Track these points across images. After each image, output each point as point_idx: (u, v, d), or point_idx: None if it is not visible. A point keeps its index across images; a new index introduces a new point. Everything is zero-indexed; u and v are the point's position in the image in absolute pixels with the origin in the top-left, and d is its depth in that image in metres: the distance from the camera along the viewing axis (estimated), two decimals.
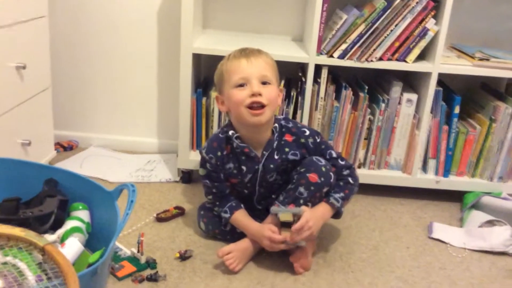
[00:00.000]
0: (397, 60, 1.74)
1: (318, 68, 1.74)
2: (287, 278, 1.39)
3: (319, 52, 1.73)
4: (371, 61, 1.73)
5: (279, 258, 1.46)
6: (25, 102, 1.63)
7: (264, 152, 1.46)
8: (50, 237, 1.17)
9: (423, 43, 1.72)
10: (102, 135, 2.16)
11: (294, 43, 1.95)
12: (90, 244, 1.29)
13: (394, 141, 1.84)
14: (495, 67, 1.75)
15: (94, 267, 1.00)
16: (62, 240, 1.20)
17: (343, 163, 1.50)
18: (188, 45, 1.73)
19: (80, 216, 1.28)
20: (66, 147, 2.10)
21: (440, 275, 1.46)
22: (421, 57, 1.76)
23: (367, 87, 1.80)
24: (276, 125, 1.47)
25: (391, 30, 1.70)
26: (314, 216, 1.38)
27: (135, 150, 2.15)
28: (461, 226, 1.73)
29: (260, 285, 1.36)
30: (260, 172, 1.48)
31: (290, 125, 1.49)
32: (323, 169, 1.42)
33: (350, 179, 1.49)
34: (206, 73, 1.96)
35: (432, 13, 1.70)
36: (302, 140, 1.48)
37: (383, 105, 1.79)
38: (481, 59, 1.76)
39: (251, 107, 1.39)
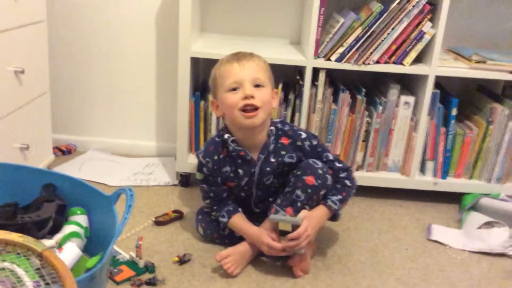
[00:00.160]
0: (394, 63, 1.75)
1: (315, 71, 1.75)
2: (286, 282, 1.39)
3: (317, 55, 1.73)
4: (368, 64, 1.74)
5: (277, 261, 1.46)
6: (24, 106, 1.63)
7: (260, 155, 1.47)
8: (48, 242, 1.17)
9: (419, 46, 1.73)
10: (100, 138, 2.16)
11: (292, 46, 1.96)
12: (88, 248, 1.29)
13: (392, 143, 1.84)
14: (492, 69, 1.76)
15: (92, 272, 1.00)
16: (60, 245, 1.19)
17: (340, 165, 1.51)
18: (186, 49, 1.73)
19: (78, 220, 1.28)
20: (64, 151, 2.10)
21: (439, 277, 1.46)
22: (418, 60, 1.77)
23: (364, 90, 1.80)
24: (272, 128, 1.48)
25: (388, 34, 1.70)
26: (311, 223, 1.39)
27: (134, 153, 2.15)
28: (459, 227, 1.74)
29: None
30: (257, 175, 1.48)
31: (287, 128, 1.50)
32: (320, 171, 1.42)
33: (347, 182, 1.49)
34: (204, 76, 1.96)
35: (429, 17, 1.70)
36: (299, 143, 1.48)
37: (380, 107, 1.79)
38: (477, 62, 1.76)
39: (244, 109, 1.39)
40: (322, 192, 1.43)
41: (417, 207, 1.87)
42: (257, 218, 1.50)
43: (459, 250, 1.60)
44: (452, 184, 1.86)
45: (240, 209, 1.50)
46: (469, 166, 1.86)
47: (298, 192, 1.41)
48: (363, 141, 1.83)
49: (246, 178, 1.49)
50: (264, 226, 1.44)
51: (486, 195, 1.78)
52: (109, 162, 2.06)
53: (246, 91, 1.39)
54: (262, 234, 1.40)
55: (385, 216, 1.79)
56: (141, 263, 1.38)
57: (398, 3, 1.67)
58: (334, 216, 1.48)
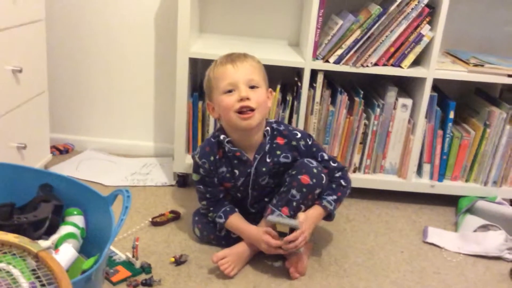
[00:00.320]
0: (392, 65, 1.75)
1: (314, 73, 1.75)
2: (283, 283, 1.40)
3: (315, 57, 1.74)
4: (367, 66, 1.74)
5: (274, 262, 1.47)
6: (21, 105, 1.63)
7: (256, 155, 1.47)
8: (44, 243, 1.17)
9: (418, 49, 1.73)
10: (98, 138, 2.16)
11: (290, 48, 1.96)
12: (85, 249, 1.29)
13: (389, 145, 1.84)
14: (490, 72, 1.76)
15: (88, 274, 1.00)
16: (56, 246, 1.19)
17: (335, 165, 1.51)
18: (185, 49, 1.73)
19: (75, 221, 1.28)
20: (62, 151, 2.10)
21: (435, 280, 1.47)
22: (416, 62, 1.77)
23: (362, 92, 1.81)
24: (268, 128, 1.48)
25: (387, 36, 1.71)
26: (307, 223, 1.39)
27: (131, 153, 2.15)
28: (455, 230, 1.74)
29: None
30: (253, 176, 1.48)
31: (282, 128, 1.50)
32: (315, 170, 1.42)
33: (342, 181, 1.50)
34: (203, 77, 1.94)
35: (427, 19, 1.71)
36: (294, 143, 1.49)
37: (378, 110, 1.79)
38: (475, 65, 1.76)
39: (240, 111, 1.39)
40: (317, 191, 1.44)
41: (413, 209, 1.88)
42: (253, 219, 1.50)
43: (454, 253, 1.61)
44: (448, 187, 1.87)
45: (236, 210, 1.51)
46: (465, 169, 1.87)
47: (294, 191, 1.41)
48: (360, 143, 1.84)
49: (242, 179, 1.49)
50: (261, 226, 1.44)
51: (483, 198, 1.79)
52: (107, 162, 2.06)
53: (241, 93, 1.39)
54: (259, 232, 1.41)
55: (382, 218, 1.80)
56: (138, 264, 1.38)
57: (397, 6, 1.68)
58: (329, 216, 1.49)
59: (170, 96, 2.03)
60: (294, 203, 1.41)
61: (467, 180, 1.88)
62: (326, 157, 1.51)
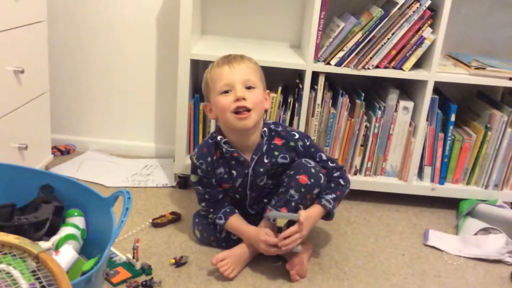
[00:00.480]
0: (393, 68, 1.75)
1: (315, 75, 1.75)
2: (283, 285, 1.40)
3: (317, 59, 1.74)
4: (368, 68, 1.74)
5: (274, 264, 1.47)
6: (23, 106, 1.63)
7: (254, 156, 1.47)
8: (44, 244, 1.16)
9: (419, 52, 1.73)
10: (99, 139, 2.17)
11: (292, 50, 1.96)
12: (85, 250, 1.29)
13: (390, 148, 1.84)
14: (491, 75, 1.76)
15: (88, 275, 1.00)
16: (57, 247, 1.19)
17: (333, 165, 1.52)
18: (186, 51, 1.73)
19: (75, 222, 1.28)
20: (63, 151, 2.10)
21: (435, 283, 1.47)
22: (418, 65, 1.77)
23: (363, 95, 1.81)
24: (265, 129, 1.48)
25: (388, 39, 1.71)
26: (307, 223, 1.39)
27: (132, 154, 2.15)
28: (456, 233, 1.74)
29: None
30: (250, 176, 1.49)
31: (280, 129, 1.51)
32: (313, 170, 1.42)
33: (341, 181, 1.50)
34: None
35: (429, 22, 1.71)
36: (292, 144, 1.49)
37: (379, 112, 1.79)
38: (477, 68, 1.76)
39: (236, 112, 1.40)
40: (316, 191, 1.44)
41: (414, 212, 1.88)
42: (253, 220, 1.50)
43: (455, 256, 1.61)
44: (449, 189, 1.86)
45: (236, 211, 1.51)
46: (466, 172, 1.87)
47: (292, 191, 1.41)
48: (361, 145, 1.84)
49: (240, 179, 1.49)
50: (260, 227, 1.45)
51: (483, 201, 1.78)
52: (108, 163, 2.07)
53: (237, 93, 1.40)
54: (259, 232, 1.41)
55: (382, 221, 1.80)
56: (138, 265, 1.38)
57: (399, 8, 1.68)
58: (328, 215, 1.49)
59: (171, 97, 2.04)
60: (293, 203, 1.41)
61: (468, 183, 1.87)
62: (324, 157, 1.52)
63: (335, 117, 1.80)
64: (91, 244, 1.29)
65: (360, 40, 1.70)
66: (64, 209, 1.31)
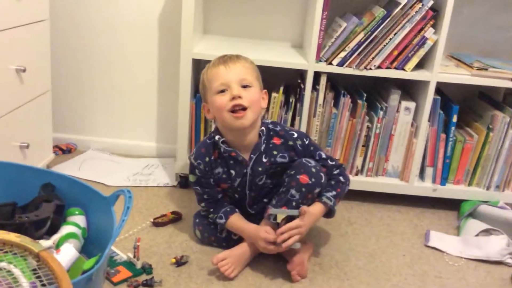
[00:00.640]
0: (395, 68, 1.75)
1: (317, 75, 1.75)
2: (283, 285, 1.40)
3: (318, 59, 1.74)
4: (370, 69, 1.74)
5: (275, 264, 1.47)
6: (25, 105, 1.63)
7: (252, 155, 1.47)
8: (45, 243, 1.17)
9: (421, 52, 1.73)
10: (100, 138, 2.17)
11: (294, 49, 1.96)
12: (86, 249, 1.29)
13: (392, 148, 1.84)
14: (493, 76, 1.75)
15: (88, 274, 1.00)
16: (58, 246, 1.19)
17: (332, 163, 1.52)
18: (188, 50, 1.74)
19: (76, 221, 1.28)
20: (64, 150, 2.11)
21: (436, 284, 1.46)
22: (420, 65, 1.77)
23: (365, 95, 1.80)
24: (263, 128, 1.49)
25: (390, 39, 1.70)
26: (308, 220, 1.39)
27: (133, 154, 2.15)
28: (457, 234, 1.73)
29: None
30: (249, 176, 1.49)
31: (278, 128, 1.51)
32: (313, 170, 1.43)
33: (341, 178, 1.51)
34: None
35: (431, 23, 1.70)
36: (290, 143, 1.49)
37: (381, 112, 1.79)
38: (479, 69, 1.76)
39: (233, 110, 1.40)
40: (317, 191, 1.44)
41: (415, 213, 1.87)
42: (253, 220, 1.50)
43: (456, 257, 1.60)
44: (451, 190, 1.86)
45: (237, 210, 1.51)
46: (468, 173, 1.86)
47: (293, 191, 1.41)
48: (363, 146, 1.83)
49: (239, 179, 1.49)
50: (261, 225, 1.44)
51: (485, 202, 1.78)
52: (109, 162, 2.07)
53: (233, 91, 1.40)
54: (258, 230, 1.41)
55: (383, 222, 1.79)
56: (139, 264, 1.38)
57: (401, 9, 1.67)
58: (329, 213, 1.49)
59: (173, 97, 2.04)
60: (294, 203, 1.41)
61: (469, 184, 1.87)
62: (323, 155, 1.52)
63: (336, 117, 1.80)
64: (92, 243, 1.29)
65: (362, 40, 1.70)
66: (65, 207, 1.31)
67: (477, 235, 1.65)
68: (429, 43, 1.72)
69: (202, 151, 1.50)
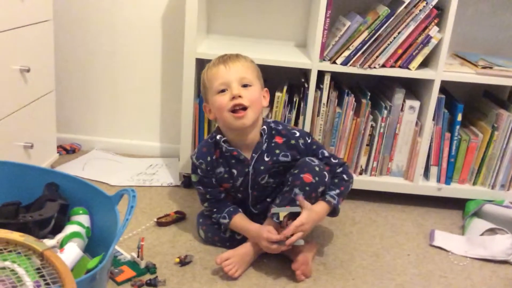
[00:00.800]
0: (400, 67, 1.74)
1: (320, 74, 1.74)
2: (287, 285, 1.39)
3: (322, 58, 1.73)
4: (374, 67, 1.73)
5: (278, 264, 1.46)
6: (29, 105, 1.63)
7: (254, 154, 1.47)
8: (49, 242, 1.17)
9: (426, 51, 1.72)
10: (104, 138, 2.17)
11: (297, 49, 1.96)
12: (90, 248, 1.29)
13: (396, 147, 1.83)
14: (498, 75, 1.75)
15: (92, 273, 1.00)
16: (62, 245, 1.20)
17: (336, 161, 1.52)
18: (192, 50, 1.73)
19: (80, 220, 1.28)
20: (68, 150, 2.11)
21: (441, 283, 1.46)
22: (424, 64, 1.76)
23: (369, 94, 1.80)
24: (265, 127, 1.48)
25: (394, 37, 1.70)
26: (311, 214, 1.38)
27: (137, 154, 2.16)
28: (462, 234, 1.73)
29: None
30: (251, 175, 1.48)
31: (280, 127, 1.51)
32: (317, 168, 1.42)
33: (344, 176, 1.50)
34: None
35: (436, 21, 1.70)
36: (293, 142, 1.49)
37: (385, 111, 1.78)
38: (484, 67, 1.75)
39: (233, 110, 1.40)
40: (321, 189, 1.44)
41: (420, 212, 1.87)
42: (257, 220, 1.49)
43: (461, 256, 1.60)
44: (455, 190, 1.85)
45: (240, 210, 1.51)
46: (473, 172, 1.85)
47: (296, 190, 1.41)
48: (367, 145, 1.83)
49: (241, 178, 1.49)
50: (265, 225, 1.44)
51: (490, 201, 1.77)
52: (113, 162, 2.07)
53: (233, 91, 1.40)
54: (261, 229, 1.41)
55: (388, 221, 1.79)
56: (142, 264, 1.38)
57: (405, 7, 1.67)
58: (333, 211, 1.48)
59: (176, 97, 2.04)
60: (298, 202, 1.41)
61: (474, 183, 1.86)
62: (326, 154, 1.52)
63: (340, 116, 1.80)
64: (96, 242, 1.29)
65: (366, 39, 1.70)
66: (69, 207, 1.31)
67: (482, 234, 1.64)
68: (433, 42, 1.71)
69: (203, 151, 1.50)
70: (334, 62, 1.73)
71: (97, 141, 2.17)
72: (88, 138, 2.17)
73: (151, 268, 1.38)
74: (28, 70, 1.56)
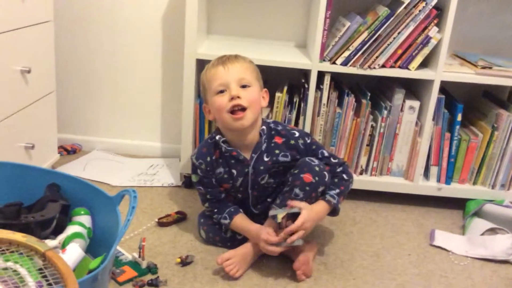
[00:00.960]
0: (399, 67, 1.75)
1: (321, 74, 1.74)
2: (288, 285, 1.40)
3: (322, 58, 1.73)
4: (374, 68, 1.73)
5: (279, 264, 1.47)
6: (30, 105, 1.64)
7: (253, 154, 1.48)
8: (51, 243, 1.17)
9: (426, 51, 1.72)
10: (105, 139, 2.17)
11: (297, 49, 1.96)
12: (92, 249, 1.29)
13: (396, 148, 1.84)
14: (498, 75, 1.75)
15: (94, 274, 1.01)
16: (63, 245, 1.20)
17: (335, 161, 1.52)
18: (192, 51, 1.74)
19: (82, 221, 1.28)
20: (69, 151, 2.11)
21: (442, 283, 1.46)
22: (424, 64, 1.76)
23: (369, 94, 1.80)
24: (264, 127, 1.49)
25: (394, 38, 1.70)
26: (311, 214, 1.38)
27: (138, 154, 2.16)
28: (463, 233, 1.73)
29: None
30: (251, 175, 1.49)
31: (279, 127, 1.51)
32: (317, 168, 1.43)
33: (344, 175, 1.51)
34: None
35: (435, 21, 1.70)
36: (292, 142, 1.49)
37: (385, 112, 1.79)
38: (483, 67, 1.76)
39: (232, 111, 1.40)
40: (321, 189, 1.44)
41: (420, 212, 1.87)
42: (258, 220, 1.50)
43: (462, 256, 1.60)
44: (456, 189, 1.85)
45: (241, 210, 1.51)
46: (473, 172, 1.86)
47: (297, 190, 1.41)
48: (367, 145, 1.83)
49: (241, 179, 1.49)
50: (265, 226, 1.44)
51: (490, 201, 1.77)
52: (114, 163, 2.07)
53: (232, 92, 1.41)
54: (260, 231, 1.41)
55: (388, 221, 1.79)
56: (144, 264, 1.38)
57: (405, 8, 1.67)
58: (334, 211, 1.49)
59: (177, 97, 2.04)
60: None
61: (474, 183, 1.86)
62: (326, 154, 1.52)
63: (340, 116, 1.80)
64: (98, 243, 1.29)
65: (366, 40, 1.70)
66: (70, 207, 1.31)
67: (482, 234, 1.64)
68: (433, 42, 1.71)
69: (203, 151, 1.51)
70: (334, 63, 1.74)
71: (98, 142, 2.17)
72: (89, 138, 2.17)
73: (152, 268, 1.38)
74: (29, 71, 1.57)
